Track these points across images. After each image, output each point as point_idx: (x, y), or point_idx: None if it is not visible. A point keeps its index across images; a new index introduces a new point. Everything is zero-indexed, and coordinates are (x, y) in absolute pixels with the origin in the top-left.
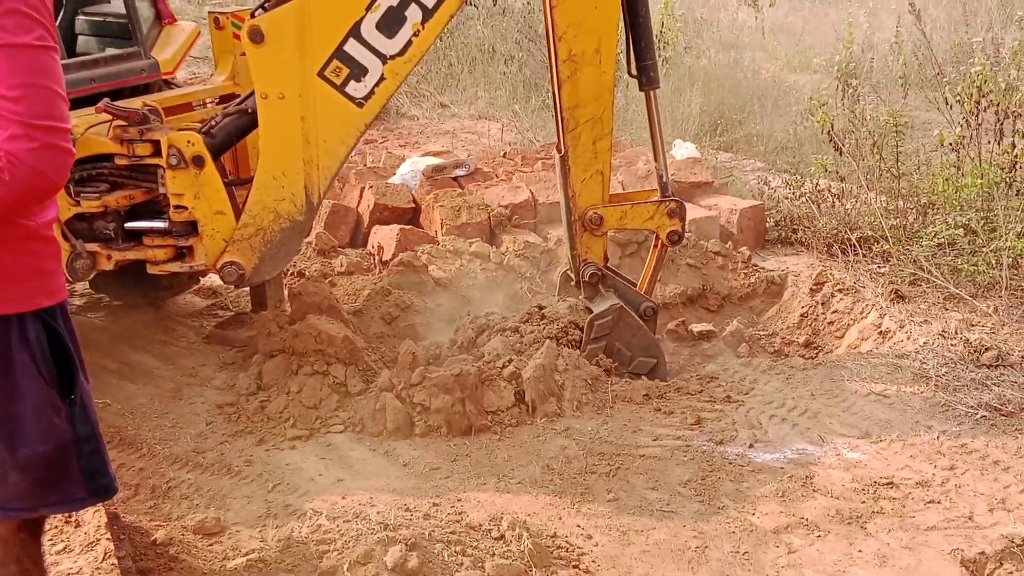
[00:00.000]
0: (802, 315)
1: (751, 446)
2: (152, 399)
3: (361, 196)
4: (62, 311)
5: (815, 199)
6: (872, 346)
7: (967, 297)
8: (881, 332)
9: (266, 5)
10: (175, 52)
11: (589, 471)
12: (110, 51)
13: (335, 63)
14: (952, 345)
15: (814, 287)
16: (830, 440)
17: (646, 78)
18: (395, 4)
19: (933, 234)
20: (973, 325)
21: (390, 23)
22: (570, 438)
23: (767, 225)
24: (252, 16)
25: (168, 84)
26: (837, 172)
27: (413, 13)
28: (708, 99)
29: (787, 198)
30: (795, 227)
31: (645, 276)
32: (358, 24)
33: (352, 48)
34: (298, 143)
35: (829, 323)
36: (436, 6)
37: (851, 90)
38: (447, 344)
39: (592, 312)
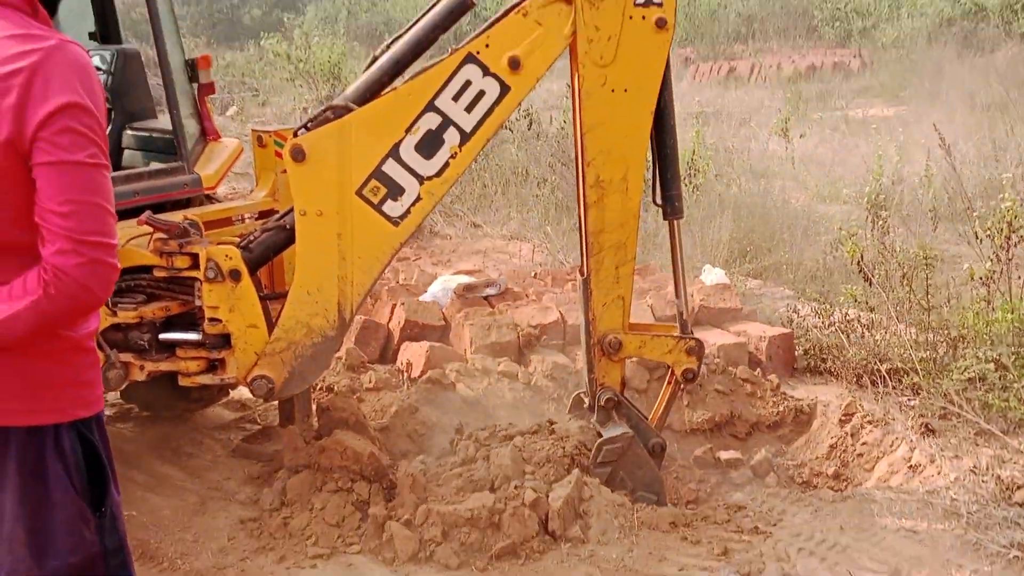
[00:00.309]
0: (831, 446)
1: None
2: (176, 512)
3: (392, 313)
4: (97, 422)
5: (844, 329)
6: (902, 480)
7: (998, 433)
8: (911, 466)
9: (309, 125)
10: (218, 168)
11: None
12: (155, 165)
13: (373, 182)
14: (983, 482)
15: (843, 418)
16: None
17: (671, 208)
18: (434, 127)
19: (963, 368)
20: (1004, 462)
21: (428, 145)
22: (595, 565)
23: (796, 353)
24: (295, 135)
25: (209, 199)
26: (867, 302)
27: (451, 136)
28: (738, 226)
29: (816, 327)
30: (824, 356)
31: (656, 411)
32: (397, 145)
33: (390, 168)
34: (334, 259)
35: (858, 455)
36: (474, 130)
37: (881, 222)
38: (449, 455)
39: (602, 437)
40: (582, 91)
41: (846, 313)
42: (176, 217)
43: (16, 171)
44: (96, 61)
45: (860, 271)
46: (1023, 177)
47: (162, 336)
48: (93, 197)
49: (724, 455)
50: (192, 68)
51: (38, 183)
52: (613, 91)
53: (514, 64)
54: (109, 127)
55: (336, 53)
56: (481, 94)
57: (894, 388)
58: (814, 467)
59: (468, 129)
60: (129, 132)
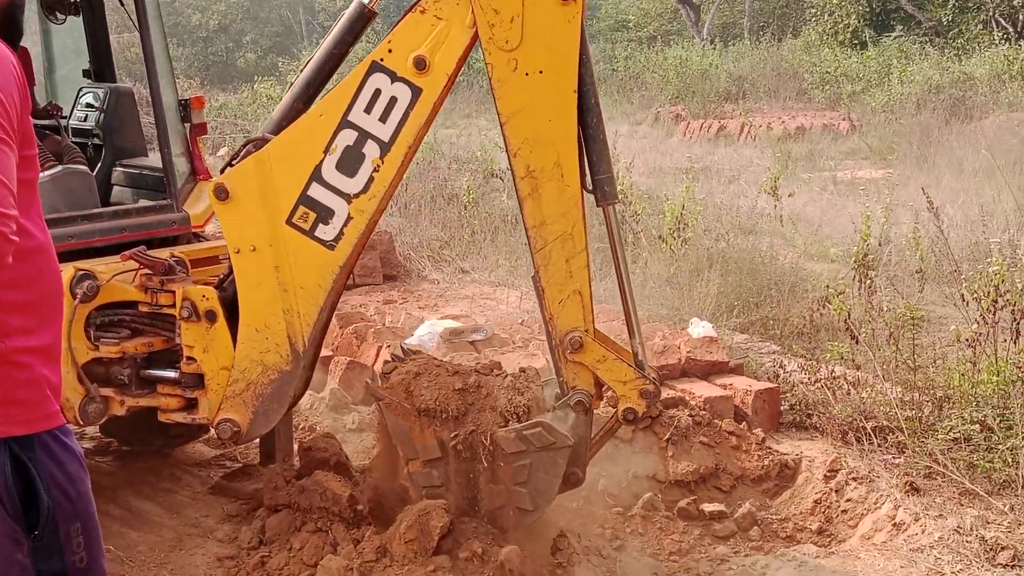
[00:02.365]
0: (815, 501)
1: None
2: (153, 548)
3: (378, 355)
4: (41, 443)
5: (830, 385)
6: (886, 537)
7: (983, 494)
8: (895, 524)
9: (232, 162)
10: (207, 207)
11: None
12: (143, 202)
13: (302, 209)
14: (967, 542)
15: (828, 473)
16: None
17: (601, 192)
18: (352, 143)
19: (949, 428)
20: (989, 522)
21: (349, 163)
22: None
23: (782, 408)
24: (221, 173)
25: (198, 237)
26: (853, 360)
27: (371, 150)
28: (726, 280)
29: (803, 382)
30: (810, 412)
31: (590, 444)
32: (319, 168)
33: (316, 192)
34: (276, 293)
35: (843, 511)
36: (392, 139)
37: (868, 281)
38: None
39: (547, 419)
40: (494, 79)
41: (832, 370)
42: (163, 254)
43: None
44: (89, 98)
45: (847, 329)
46: (1009, 243)
47: (143, 372)
48: None
49: (708, 507)
50: (185, 108)
51: None
52: (527, 75)
53: (420, 64)
54: (99, 165)
55: None
56: (393, 101)
57: (879, 446)
58: (798, 522)
59: (386, 139)
60: (119, 169)
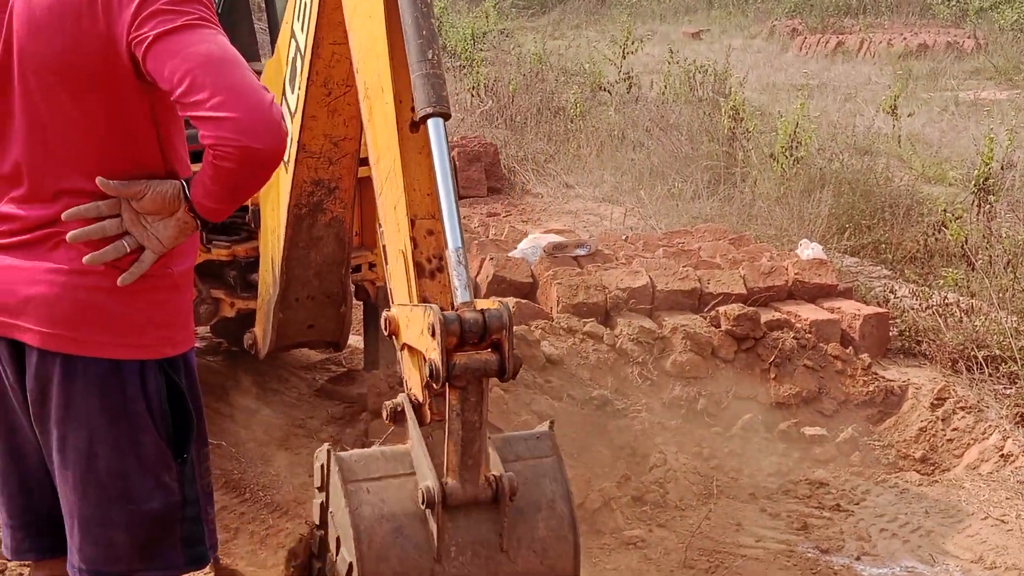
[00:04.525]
0: (920, 429)
1: (858, 558)
2: (261, 445)
3: (481, 266)
4: (186, 363)
5: (943, 312)
6: (992, 468)
7: None
8: (1003, 455)
9: None
10: None
11: (687, 566)
12: None
13: None
14: None
15: (935, 402)
16: (942, 561)
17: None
18: (293, 54)
19: None
20: None
21: (293, 76)
22: (671, 530)
23: (891, 334)
24: None
25: None
26: (968, 287)
27: (299, 61)
28: (838, 201)
29: (913, 308)
30: (920, 339)
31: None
32: (284, 83)
33: (284, 108)
34: (269, 211)
35: (948, 440)
36: (306, 48)
37: (988, 206)
38: None
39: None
40: None
41: (945, 296)
42: None
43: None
44: None
45: (963, 255)
46: None
47: (250, 276)
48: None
49: (809, 431)
50: None
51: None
52: None
53: None
54: None
55: (438, 8)
56: (306, 5)
57: (990, 375)
58: (901, 449)
59: (303, 48)
60: None
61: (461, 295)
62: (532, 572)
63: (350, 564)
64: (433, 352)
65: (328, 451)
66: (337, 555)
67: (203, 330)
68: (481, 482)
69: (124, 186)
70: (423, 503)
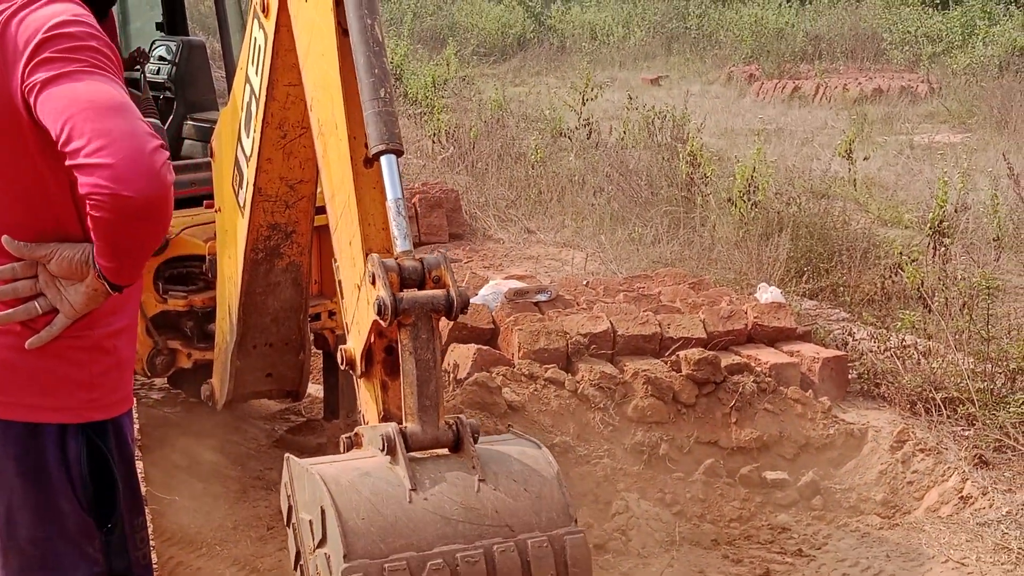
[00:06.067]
0: (881, 472)
1: None
2: (218, 498)
3: None
4: (116, 428)
5: (900, 355)
6: (952, 511)
7: None
8: (962, 497)
9: None
10: None
11: None
12: None
13: (234, 171)
14: None
15: (895, 444)
16: None
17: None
18: (248, 98)
19: (1021, 401)
20: None
21: (248, 119)
22: None
23: (850, 377)
24: None
25: None
26: (925, 329)
27: (254, 104)
28: (795, 245)
29: (872, 351)
30: (878, 381)
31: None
32: (239, 127)
33: (239, 153)
34: (224, 258)
35: (908, 483)
36: (259, 92)
37: (943, 248)
38: None
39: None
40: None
41: (903, 339)
42: None
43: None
44: (162, 51)
45: (920, 297)
46: None
47: (208, 326)
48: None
49: (770, 475)
50: None
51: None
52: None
53: (263, 6)
54: (171, 117)
55: (399, 55)
56: (259, 48)
57: (948, 417)
58: (862, 492)
59: (257, 92)
60: (190, 122)
61: (401, 244)
62: (517, 498)
63: (312, 522)
64: (382, 291)
65: (287, 458)
66: (316, 549)
67: (160, 382)
68: (442, 425)
69: (30, 248)
70: (383, 450)
